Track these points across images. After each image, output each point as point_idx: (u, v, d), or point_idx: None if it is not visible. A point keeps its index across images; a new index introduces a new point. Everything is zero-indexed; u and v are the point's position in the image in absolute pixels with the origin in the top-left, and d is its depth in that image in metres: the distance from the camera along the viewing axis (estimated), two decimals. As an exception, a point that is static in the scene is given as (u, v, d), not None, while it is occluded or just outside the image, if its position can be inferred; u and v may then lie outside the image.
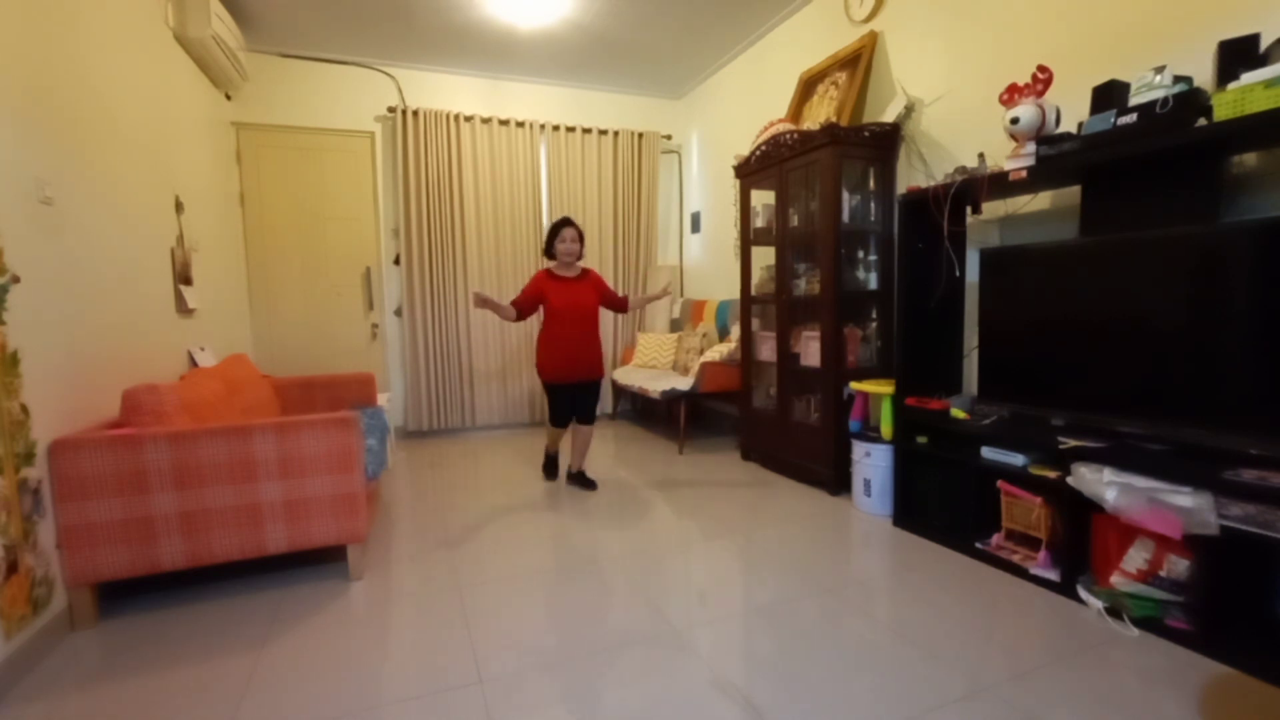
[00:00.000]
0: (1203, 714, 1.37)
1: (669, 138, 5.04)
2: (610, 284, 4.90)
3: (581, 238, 3.05)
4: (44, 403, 1.76)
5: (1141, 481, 1.68)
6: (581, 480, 3.19)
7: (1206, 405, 1.68)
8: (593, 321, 3.07)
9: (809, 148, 2.92)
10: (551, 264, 3.06)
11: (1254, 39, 1.61)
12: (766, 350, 3.40)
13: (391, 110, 4.21)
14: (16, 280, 1.66)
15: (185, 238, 2.94)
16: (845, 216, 2.88)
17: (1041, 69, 2.02)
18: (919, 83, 2.83)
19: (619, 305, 3.19)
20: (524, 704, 1.46)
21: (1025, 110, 2.00)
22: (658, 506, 2.86)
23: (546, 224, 4.69)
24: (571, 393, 3.06)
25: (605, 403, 5.00)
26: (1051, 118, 2.01)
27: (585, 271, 3.11)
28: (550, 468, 3.34)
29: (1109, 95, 1.87)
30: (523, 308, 2.97)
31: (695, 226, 4.99)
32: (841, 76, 3.21)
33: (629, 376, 4.36)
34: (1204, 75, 1.72)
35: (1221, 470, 1.57)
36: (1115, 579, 1.78)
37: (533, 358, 4.65)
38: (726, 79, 4.45)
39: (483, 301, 2.78)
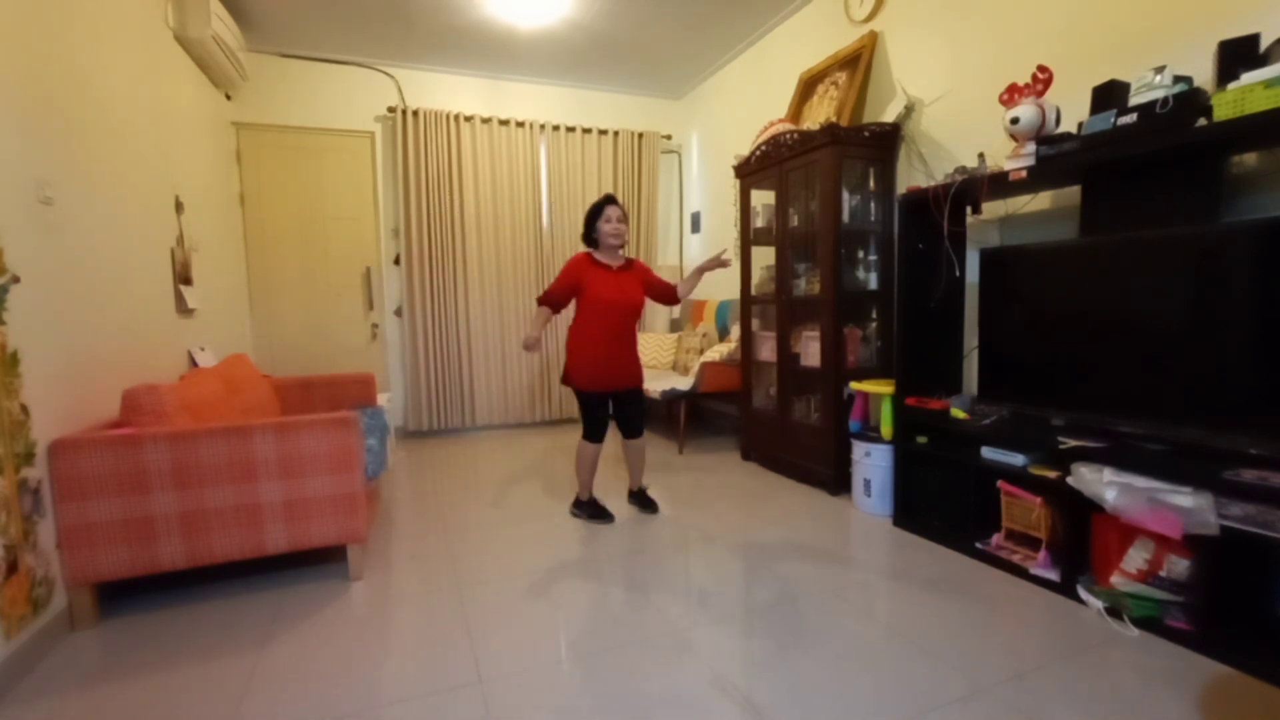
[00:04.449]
0: (1203, 714, 1.37)
1: (669, 138, 5.04)
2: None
3: (627, 218, 2.58)
4: (44, 403, 1.76)
5: (1141, 481, 1.68)
6: (642, 500, 2.81)
7: (1206, 405, 1.68)
8: (637, 319, 2.62)
9: (809, 148, 2.92)
10: (592, 249, 2.60)
11: (1254, 39, 1.61)
12: (766, 350, 3.40)
13: (391, 110, 4.21)
14: (16, 280, 1.66)
15: (185, 238, 2.94)
16: (845, 216, 2.88)
17: (1041, 69, 2.02)
18: (919, 83, 2.83)
19: (670, 296, 2.68)
20: (524, 704, 1.46)
21: (1025, 110, 2.00)
22: (658, 506, 2.86)
23: (547, 224, 4.67)
24: (611, 403, 2.63)
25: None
26: (1051, 118, 2.01)
27: (631, 261, 2.63)
28: (600, 511, 2.69)
29: (1109, 95, 1.87)
30: (559, 301, 2.53)
31: (695, 226, 4.99)
32: (841, 76, 3.21)
33: (629, 376, 4.35)
34: (1204, 75, 1.72)
35: (1221, 470, 1.57)
36: (1115, 579, 1.78)
37: (531, 358, 4.66)
38: (726, 79, 4.45)
39: (535, 343, 2.47)
